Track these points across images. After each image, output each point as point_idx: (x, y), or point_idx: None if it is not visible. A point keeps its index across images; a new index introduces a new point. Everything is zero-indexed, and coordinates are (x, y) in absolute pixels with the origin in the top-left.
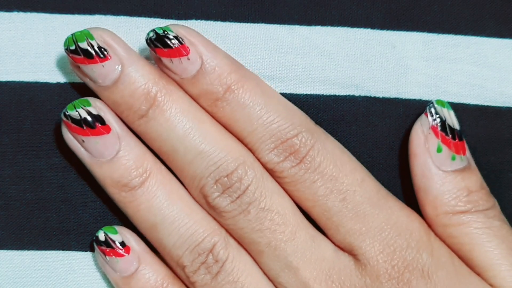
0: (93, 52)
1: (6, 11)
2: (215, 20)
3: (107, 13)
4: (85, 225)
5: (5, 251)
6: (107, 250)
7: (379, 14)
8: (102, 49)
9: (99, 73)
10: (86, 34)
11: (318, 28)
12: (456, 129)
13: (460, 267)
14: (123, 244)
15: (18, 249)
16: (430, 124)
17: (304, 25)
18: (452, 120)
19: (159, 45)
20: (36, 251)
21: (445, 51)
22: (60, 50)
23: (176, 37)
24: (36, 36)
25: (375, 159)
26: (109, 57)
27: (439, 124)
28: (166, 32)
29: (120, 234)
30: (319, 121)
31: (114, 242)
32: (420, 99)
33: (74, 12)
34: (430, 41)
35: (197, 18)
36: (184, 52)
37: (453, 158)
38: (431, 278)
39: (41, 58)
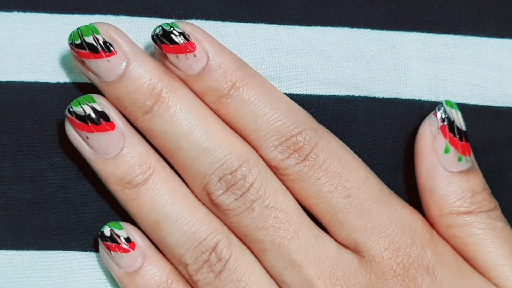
0: (98, 46)
1: (6, 11)
2: (215, 20)
3: (107, 13)
4: (85, 225)
5: (5, 251)
6: (112, 245)
7: (379, 14)
8: (108, 44)
9: (104, 68)
10: (92, 29)
11: (317, 29)
12: (463, 130)
13: (463, 266)
14: (128, 240)
15: (18, 249)
16: (439, 125)
17: (304, 25)
18: (460, 121)
19: (165, 41)
20: (36, 251)
21: (445, 51)
22: (60, 50)
23: (182, 34)
24: (36, 36)
25: (375, 159)
26: (115, 52)
27: (447, 124)
28: (172, 28)
29: (125, 230)
30: (319, 121)
31: (119, 237)
32: (420, 100)
33: (74, 12)
34: (430, 41)
35: (197, 18)
36: (190, 48)
37: (460, 159)
38: (436, 276)
39: (41, 58)
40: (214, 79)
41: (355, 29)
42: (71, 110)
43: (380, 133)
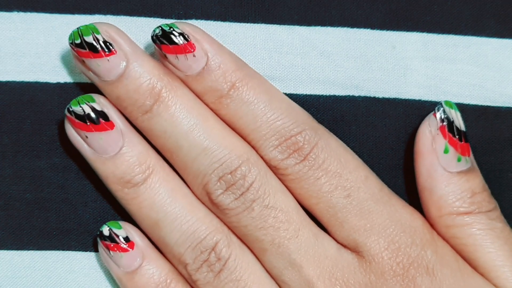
0: (98, 46)
1: (6, 11)
2: (215, 20)
3: (107, 13)
4: (85, 225)
5: (5, 251)
6: (111, 245)
7: (379, 14)
8: (108, 44)
9: (104, 67)
10: (92, 28)
11: (318, 29)
12: (462, 130)
13: (464, 266)
14: (127, 239)
15: (18, 249)
16: (439, 125)
17: (304, 25)
18: (459, 121)
19: (165, 41)
20: (36, 251)
21: (445, 51)
22: (60, 50)
23: (182, 34)
24: (36, 36)
25: (375, 159)
26: (115, 52)
27: (447, 125)
28: (172, 29)
29: (124, 229)
30: (318, 121)
31: (118, 237)
32: (420, 100)
33: (74, 12)
34: (430, 41)
35: (197, 18)
36: (190, 49)
37: (459, 160)
38: (436, 276)
39: (41, 58)
40: (214, 79)
41: (355, 29)
42: (71, 109)
43: (380, 133)
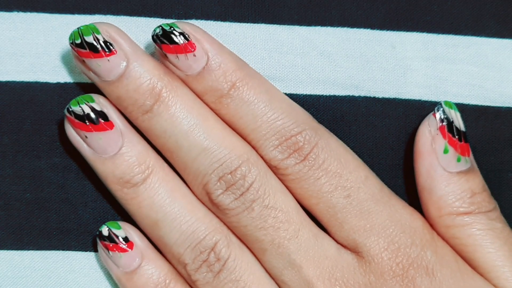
0: (99, 46)
1: (6, 11)
2: (215, 20)
3: (107, 13)
4: (85, 225)
5: (5, 251)
6: (110, 245)
7: (378, 14)
8: (108, 44)
9: (104, 67)
10: (92, 28)
11: (318, 29)
12: (462, 130)
13: (463, 267)
14: (126, 239)
15: (18, 249)
16: (438, 125)
17: (304, 25)
18: (459, 121)
19: (165, 41)
20: (36, 251)
21: (444, 52)
22: (60, 50)
23: (182, 34)
24: (36, 36)
25: (375, 159)
26: (115, 52)
27: (446, 125)
28: (172, 28)
29: (123, 230)
30: (319, 121)
31: (117, 237)
32: (420, 100)
33: (74, 12)
34: (430, 41)
35: (197, 18)
36: (190, 48)
37: (459, 160)
38: (436, 276)
39: (41, 58)
40: (214, 79)
41: (355, 29)
42: (70, 109)
43: (380, 133)
